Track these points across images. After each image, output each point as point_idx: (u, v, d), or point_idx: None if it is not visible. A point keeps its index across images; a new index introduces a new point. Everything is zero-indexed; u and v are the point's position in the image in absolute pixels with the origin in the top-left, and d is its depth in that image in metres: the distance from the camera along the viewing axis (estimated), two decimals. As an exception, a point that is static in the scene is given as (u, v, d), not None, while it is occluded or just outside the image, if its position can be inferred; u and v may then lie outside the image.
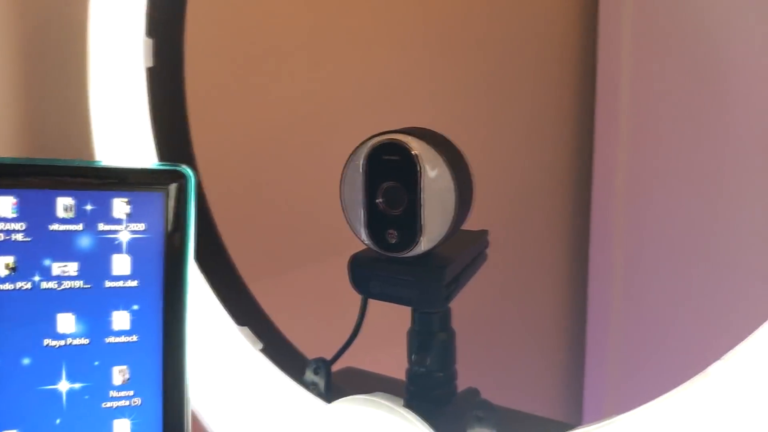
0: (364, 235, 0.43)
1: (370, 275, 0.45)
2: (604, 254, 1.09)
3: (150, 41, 0.54)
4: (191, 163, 0.58)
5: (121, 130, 0.56)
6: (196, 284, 0.54)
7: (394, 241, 0.42)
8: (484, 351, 1.01)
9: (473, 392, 0.51)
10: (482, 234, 0.49)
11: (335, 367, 0.53)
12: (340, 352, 0.52)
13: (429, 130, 0.43)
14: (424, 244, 0.41)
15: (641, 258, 1.05)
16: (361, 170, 0.41)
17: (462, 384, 0.50)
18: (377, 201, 0.42)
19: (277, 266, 0.73)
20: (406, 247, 0.42)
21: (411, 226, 0.41)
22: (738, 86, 0.90)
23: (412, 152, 0.40)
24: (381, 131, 0.40)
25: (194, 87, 0.58)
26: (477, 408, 0.42)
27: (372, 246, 0.43)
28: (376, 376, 0.57)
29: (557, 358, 1.20)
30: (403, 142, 0.40)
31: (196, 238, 0.49)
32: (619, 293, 1.07)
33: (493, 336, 1.05)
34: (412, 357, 0.48)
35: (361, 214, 0.42)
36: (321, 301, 0.69)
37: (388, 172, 0.41)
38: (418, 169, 0.39)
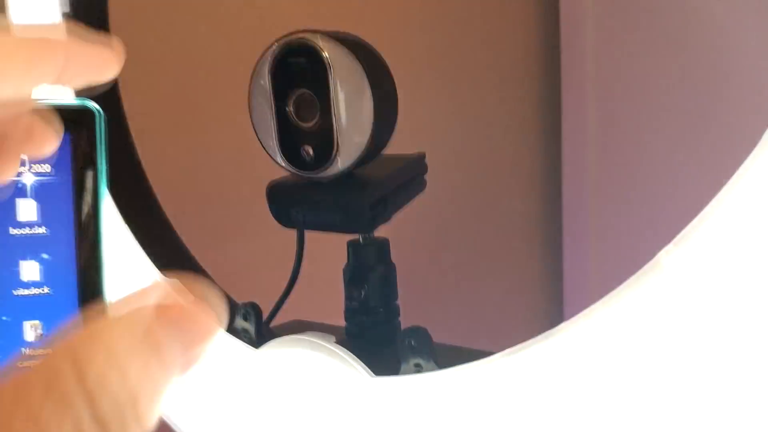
0: (277, 154, 0.39)
1: (290, 202, 0.41)
2: (576, 181, 1.05)
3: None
4: (118, 105, 0.54)
5: None
6: (115, 228, 0.50)
7: (308, 158, 0.38)
8: (436, 286, 0.97)
9: (420, 331, 0.47)
10: (417, 156, 0.46)
11: (281, 320, 0.49)
12: (283, 297, 0.48)
13: (348, 33, 0.39)
14: (342, 160, 0.38)
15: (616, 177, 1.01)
16: (267, 77, 0.37)
17: (409, 322, 0.46)
18: (287, 110, 0.38)
19: (208, 206, 0.69)
20: (321, 164, 0.38)
21: (326, 140, 0.37)
22: (720, 74, 0.90)
23: (322, 53, 0.36)
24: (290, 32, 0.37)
25: (118, 28, 0.55)
26: (410, 335, 0.38)
27: (287, 166, 0.39)
28: (323, 325, 0.53)
29: (526, 292, 1.16)
30: (312, 41, 0.36)
31: (113, 177, 0.45)
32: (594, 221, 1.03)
33: (451, 272, 1.01)
34: (346, 297, 0.44)
35: (272, 129, 0.38)
36: (258, 241, 0.65)
37: (298, 78, 0.37)
38: (329, 71, 0.36)
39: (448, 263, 1.01)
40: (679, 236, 0.31)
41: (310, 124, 0.38)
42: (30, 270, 0.44)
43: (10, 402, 0.17)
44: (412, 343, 0.38)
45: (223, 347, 0.47)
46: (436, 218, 0.93)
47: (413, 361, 0.38)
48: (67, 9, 0.52)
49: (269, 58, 0.37)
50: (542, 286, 1.15)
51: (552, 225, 1.12)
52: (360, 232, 0.41)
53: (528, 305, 1.14)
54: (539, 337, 0.34)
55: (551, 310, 1.13)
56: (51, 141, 0.30)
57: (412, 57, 0.91)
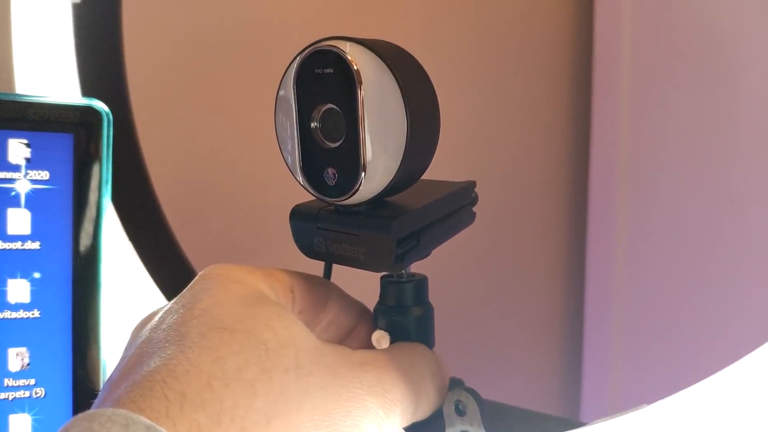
0: (299, 175, 0.33)
1: (313, 230, 0.35)
2: (602, 243, 1.04)
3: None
4: (124, 103, 0.49)
5: (46, 66, 0.48)
6: (117, 247, 0.45)
7: (333, 182, 0.32)
8: (473, 336, 0.91)
9: (456, 383, 0.40)
10: (465, 185, 0.39)
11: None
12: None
13: (382, 41, 0.33)
14: (367, 187, 0.31)
15: (642, 246, 1.01)
16: (291, 88, 0.32)
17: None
18: (312, 127, 0.32)
19: (221, 227, 0.63)
20: (346, 190, 0.32)
21: (352, 163, 0.31)
22: (742, 83, 0.89)
23: (349, 61, 0.30)
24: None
25: (130, 25, 0.50)
26: (457, 397, 0.32)
27: (309, 189, 0.33)
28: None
29: (553, 349, 1.10)
30: (339, 49, 0.30)
31: (116, 187, 0.41)
32: (618, 283, 1.02)
33: (483, 318, 0.95)
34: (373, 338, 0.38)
35: (295, 147, 0.33)
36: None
37: (324, 91, 0.31)
38: (356, 85, 0.30)
39: (470, 311, 0.96)
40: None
41: (335, 144, 0.32)
42: (19, 290, 0.40)
43: None
44: (460, 407, 0.32)
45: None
46: (468, 255, 0.88)
47: (461, 427, 0.32)
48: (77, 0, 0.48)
49: (294, 68, 0.31)
50: (564, 342, 1.12)
51: (576, 290, 1.09)
52: (385, 270, 0.35)
53: (548, 361, 1.11)
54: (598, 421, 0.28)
55: (571, 365, 1.10)
56: None
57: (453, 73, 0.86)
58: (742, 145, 0.90)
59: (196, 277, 0.28)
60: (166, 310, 0.27)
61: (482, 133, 0.94)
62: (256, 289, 0.28)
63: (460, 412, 0.33)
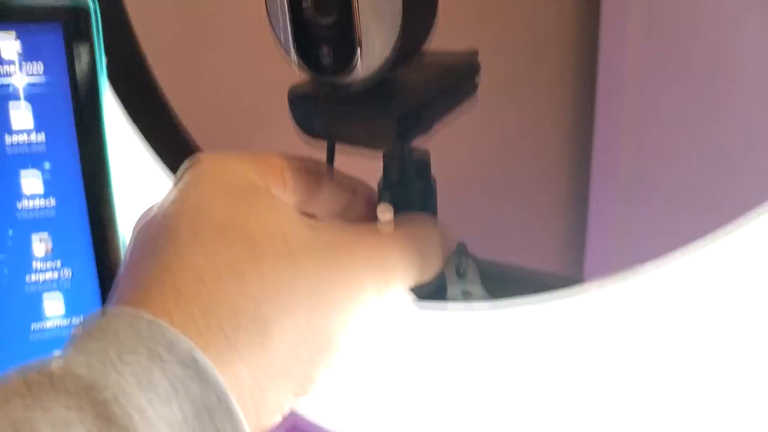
0: (293, 55, 0.33)
1: (312, 109, 0.35)
2: (610, 104, 1.02)
3: None
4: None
5: None
6: (121, 130, 0.45)
7: (327, 60, 0.32)
8: (477, 204, 0.93)
9: (459, 248, 0.42)
10: (466, 56, 0.38)
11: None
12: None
13: None
14: (365, 63, 0.31)
15: (650, 107, 1.00)
16: (280, -33, 0.31)
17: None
18: (303, 6, 0.31)
19: (221, 108, 0.63)
20: (342, 67, 0.31)
21: (346, 40, 0.31)
22: (744, 81, 0.88)
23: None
24: None
25: None
26: (458, 261, 0.33)
27: (303, 69, 0.33)
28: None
29: (558, 211, 1.12)
30: None
31: (112, 72, 0.40)
32: (625, 142, 1.01)
33: (488, 187, 0.96)
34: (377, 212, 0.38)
35: (287, 26, 0.32)
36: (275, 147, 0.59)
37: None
38: (347, -45, 0.29)
39: (474, 177, 0.96)
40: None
41: (329, 20, 0.31)
42: (32, 181, 0.41)
43: None
44: (460, 269, 0.33)
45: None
46: (477, 132, 0.87)
47: (460, 287, 0.34)
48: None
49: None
50: (569, 201, 1.12)
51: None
52: (386, 148, 0.35)
53: (557, 225, 1.12)
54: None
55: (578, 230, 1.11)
56: None
57: None
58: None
59: (186, 169, 0.29)
60: (160, 207, 0.28)
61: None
62: (244, 177, 0.28)
63: (461, 274, 0.35)
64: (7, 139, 0.41)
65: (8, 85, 0.40)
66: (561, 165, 1.10)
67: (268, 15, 0.33)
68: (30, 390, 0.21)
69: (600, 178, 1.05)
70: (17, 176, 0.41)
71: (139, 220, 0.29)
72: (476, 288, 0.37)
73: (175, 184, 0.29)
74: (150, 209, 0.29)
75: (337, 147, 0.37)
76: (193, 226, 0.26)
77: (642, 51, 0.98)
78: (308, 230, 0.27)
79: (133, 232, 0.29)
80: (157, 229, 0.27)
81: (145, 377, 0.22)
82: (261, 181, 0.29)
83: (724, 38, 0.85)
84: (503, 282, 0.41)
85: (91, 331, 0.23)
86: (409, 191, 0.38)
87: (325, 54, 0.31)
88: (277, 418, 0.26)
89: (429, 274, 0.33)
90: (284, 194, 0.31)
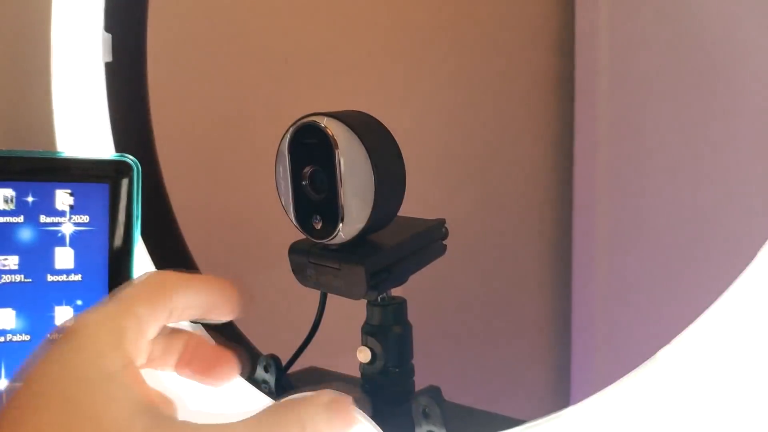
0: (293, 219, 0.41)
1: (306, 263, 0.43)
2: (586, 249, 1.06)
3: (108, 36, 0.54)
4: (152, 157, 0.57)
5: (82, 123, 0.56)
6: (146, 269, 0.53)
7: (318, 227, 0.40)
8: (452, 348, 0.97)
9: (434, 391, 0.48)
10: (435, 223, 0.47)
11: (298, 367, 0.51)
12: (300, 349, 0.50)
13: (358, 112, 0.41)
14: (346, 231, 0.39)
15: (624, 249, 1.02)
16: (285, 154, 0.40)
17: (424, 383, 0.48)
18: (303, 184, 0.40)
19: (234, 259, 0.72)
20: (328, 234, 0.40)
21: (332, 212, 0.39)
22: (724, 77, 0.91)
23: (328, 134, 0.38)
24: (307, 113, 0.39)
25: (154, 82, 0.58)
26: (423, 402, 0.39)
27: (302, 232, 0.41)
28: (339, 375, 0.54)
29: (538, 355, 1.15)
30: (319, 123, 0.38)
31: (150, 229, 0.48)
32: (602, 287, 1.04)
33: (467, 334, 1.01)
34: (358, 351, 0.45)
35: (290, 199, 0.41)
36: (282, 298, 0.67)
37: (311, 156, 0.39)
38: (333, 150, 0.38)
39: (461, 324, 1.01)
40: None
41: (321, 196, 0.40)
42: (65, 316, 0.47)
43: None
44: (426, 410, 0.39)
45: (242, 396, 0.49)
46: (450, 280, 0.93)
47: (426, 427, 0.39)
48: (109, 59, 0.55)
49: (287, 138, 0.40)
50: (551, 348, 1.15)
51: (562, 295, 1.13)
52: (360, 298, 0.43)
53: (537, 369, 1.14)
54: (551, 416, 0.34)
55: (560, 371, 1.13)
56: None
57: (425, 126, 0.92)
58: (730, 139, 0.90)
59: (67, 330, 0.29)
60: (31, 368, 0.28)
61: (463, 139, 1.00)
62: (98, 365, 0.28)
63: (426, 415, 0.40)
64: (49, 277, 0.48)
65: (57, 232, 0.47)
66: (543, 316, 1.15)
67: (276, 184, 0.42)
68: None
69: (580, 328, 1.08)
70: (52, 311, 0.48)
71: (27, 364, 0.29)
72: (440, 428, 0.40)
73: (51, 341, 0.29)
74: (34, 355, 0.29)
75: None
76: (38, 404, 0.26)
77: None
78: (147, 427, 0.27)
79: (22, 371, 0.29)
80: (19, 388, 0.27)
81: None
82: (119, 359, 0.29)
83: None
84: (475, 425, 0.46)
85: None
86: (386, 335, 0.45)
87: (317, 221, 0.40)
88: None
89: None
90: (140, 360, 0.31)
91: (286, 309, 0.64)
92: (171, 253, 0.55)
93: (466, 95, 0.99)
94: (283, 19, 0.80)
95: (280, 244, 0.47)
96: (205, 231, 0.65)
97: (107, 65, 0.55)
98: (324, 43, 0.83)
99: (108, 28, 0.55)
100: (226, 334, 0.53)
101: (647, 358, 0.34)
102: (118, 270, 0.49)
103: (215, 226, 0.71)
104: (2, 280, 0.46)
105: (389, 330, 0.46)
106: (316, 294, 0.48)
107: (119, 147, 0.55)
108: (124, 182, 0.49)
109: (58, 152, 0.53)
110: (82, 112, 0.56)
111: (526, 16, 1.05)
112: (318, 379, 0.54)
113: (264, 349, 0.53)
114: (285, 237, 0.46)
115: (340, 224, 0.39)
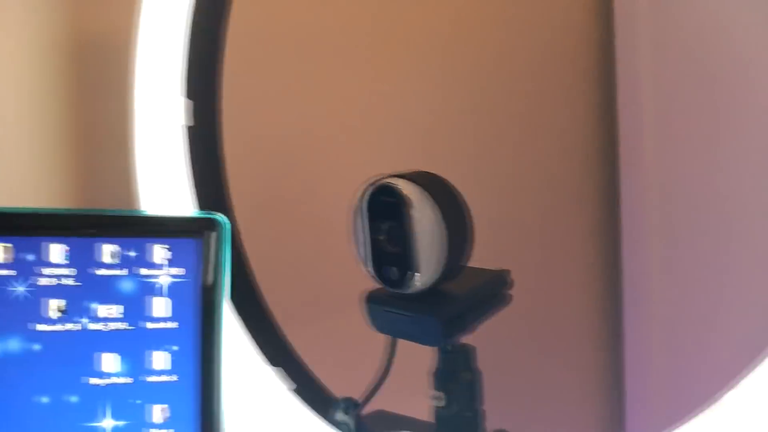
0: (370, 272, 0.45)
1: (380, 311, 0.47)
2: (637, 289, 1.03)
3: (189, 102, 0.59)
4: (228, 212, 0.62)
5: (162, 182, 0.60)
6: (231, 326, 0.57)
7: (394, 277, 0.44)
8: (518, 393, 0.98)
9: (499, 434, 0.51)
10: (500, 273, 0.50)
11: (367, 411, 0.54)
12: (372, 392, 0.53)
13: (426, 173, 0.45)
14: (420, 281, 0.43)
15: (678, 290, 1.00)
16: (363, 211, 0.44)
17: (493, 426, 0.50)
18: (379, 238, 0.44)
19: (310, 308, 0.75)
20: (404, 284, 0.43)
21: (407, 264, 0.43)
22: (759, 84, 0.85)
23: (403, 194, 0.42)
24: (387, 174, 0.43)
25: (230, 142, 0.63)
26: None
27: (377, 282, 0.45)
28: (407, 419, 0.57)
29: (594, 398, 1.14)
30: (394, 185, 0.43)
31: (231, 281, 0.52)
32: (655, 327, 1.02)
33: (528, 378, 1.02)
34: (431, 397, 0.49)
35: (368, 251, 0.45)
36: (353, 343, 0.71)
37: (388, 213, 0.43)
38: (408, 209, 0.42)
39: (527, 369, 1.03)
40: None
41: (396, 249, 0.44)
42: (161, 360, 0.52)
43: None
44: None
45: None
46: (514, 327, 0.95)
47: None
48: (191, 123, 0.60)
49: (366, 197, 0.44)
50: (604, 392, 1.15)
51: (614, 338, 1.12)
52: (434, 345, 0.46)
53: (591, 410, 1.14)
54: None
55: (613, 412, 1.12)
56: None
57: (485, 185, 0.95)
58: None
59: None
60: None
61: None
62: None
63: None
64: (148, 325, 0.52)
65: (155, 283, 0.52)
66: (594, 353, 1.14)
67: (354, 236, 0.46)
68: None
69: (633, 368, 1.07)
70: (150, 355, 0.52)
71: None
72: None
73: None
74: None
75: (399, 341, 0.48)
76: None
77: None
78: None
79: None
80: None
81: None
82: None
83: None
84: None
85: None
86: (456, 380, 0.48)
87: (392, 272, 0.44)
88: None
89: None
90: None
91: (353, 354, 0.67)
92: (251, 308, 0.59)
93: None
94: (355, 80, 0.85)
95: (348, 292, 0.51)
96: (279, 280, 0.69)
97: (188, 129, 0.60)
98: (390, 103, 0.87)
99: (187, 93, 0.60)
100: (300, 377, 0.57)
101: (706, 401, 0.35)
102: (209, 318, 0.53)
103: (289, 276, 0.76)
104: (108, 327, 0.50)
105: (459, 375, 0.49)
106: (373, 340, 0.51)
107: (200, 204, 0.60)
108: (216, 238, 0.54)
109: (156, 212, 0.58)
110: (162, 172, 0.61)
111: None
112: (389, 423, 0.57)
113: (335, 392, 0.56)
114: (354, 286, 0.49)
115: (417, 275, 0.43)
